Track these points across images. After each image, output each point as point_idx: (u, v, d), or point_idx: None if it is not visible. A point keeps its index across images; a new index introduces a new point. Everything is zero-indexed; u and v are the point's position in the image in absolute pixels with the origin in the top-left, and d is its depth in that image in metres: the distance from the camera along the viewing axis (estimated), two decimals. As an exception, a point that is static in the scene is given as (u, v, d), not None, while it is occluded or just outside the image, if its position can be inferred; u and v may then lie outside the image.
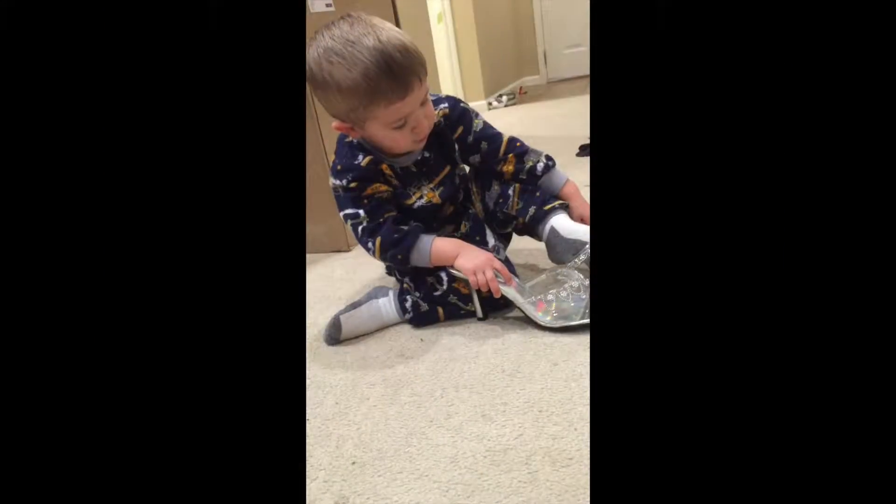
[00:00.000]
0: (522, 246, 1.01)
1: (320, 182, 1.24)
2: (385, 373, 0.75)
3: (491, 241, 0.90)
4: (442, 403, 0.66)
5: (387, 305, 0.87)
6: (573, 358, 0.70)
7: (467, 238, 0.88)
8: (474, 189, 0.93)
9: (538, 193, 0.88)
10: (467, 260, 0.79)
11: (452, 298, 0.84)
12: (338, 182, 0.82)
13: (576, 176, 0.96)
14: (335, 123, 0.78)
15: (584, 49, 4.09)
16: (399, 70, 0.70)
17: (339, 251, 1.29)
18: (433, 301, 0.84)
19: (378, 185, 0.82)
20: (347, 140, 0.83)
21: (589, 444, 0.55)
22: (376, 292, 0.89)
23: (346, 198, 0.82)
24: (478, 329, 0.82)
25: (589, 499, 0.49)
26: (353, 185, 0.81)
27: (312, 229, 1.29)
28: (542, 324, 0.76)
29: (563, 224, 0.85)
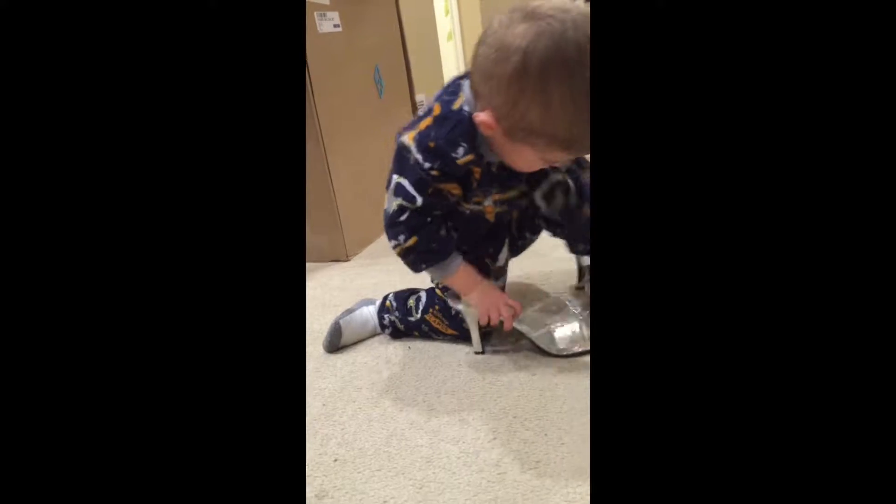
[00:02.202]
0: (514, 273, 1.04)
1: (323, 194, 1.28)
2: (372, 377, 0.79)
3: (502, 259, 0.84)
4: (423, 408, 0.70)
5: (373, 314, 0.90)
6: (549, 369, 0.73)
7: (479, 245, 0.82)
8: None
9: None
10: (482, 296, 0.77)
11: (424, 328, 0.85)
12: (419, 157, 0.67)
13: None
14: (485, 116, 0.61)
15: (592, 69, 4.14)
16: None
17: (337, 261, 1.34)
18: (408, 325, 0.86)
19: (454, 185, 0.71)
20: (456, 115, 0.66)
21: (561, 448, 0.58)
22: (366, 301, 0.92)
23: (413, 175, 0.69)
24: (464, 341, 0.85)
25: (551, 499, 0.52)
26: (434, 173, 0.67)
27: (314, 239, 1.33)
28: (553, 352, 0.77)
29: None
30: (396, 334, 0.89)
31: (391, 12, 1.59)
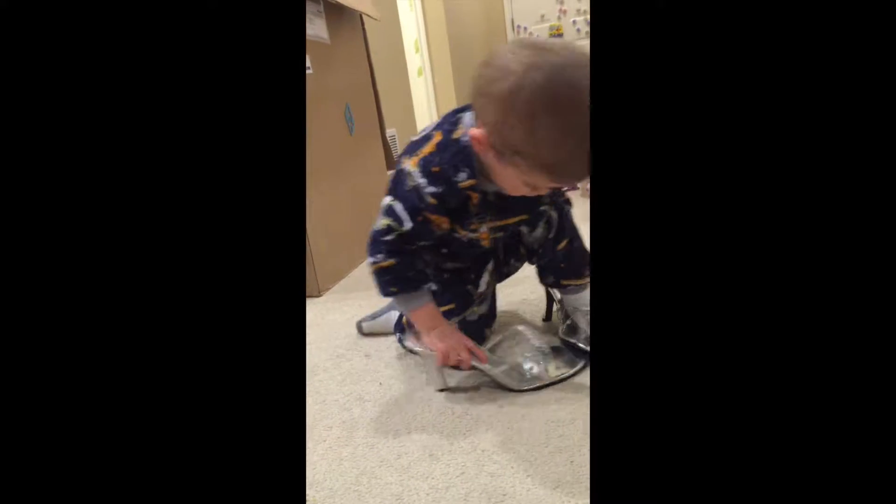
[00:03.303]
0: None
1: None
2: (343, 415, 0.79)
3: (483, 285, 0.87)
4: (393, 444, 0.70)
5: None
6: (516, 402, 0.75)
7: (463, 271, 0.86)
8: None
9: (563, 265, 0.85)
10: (439, 339, 0.79)
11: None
12: (422, 181, 0.69)
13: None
14: (477, 132, 0.63)
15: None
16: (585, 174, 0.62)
17: (310, 296, 1.34)
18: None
19: (445, 218, 0.73)
20: (456, 144, 0.69)
21: (526, 481, 0.60)
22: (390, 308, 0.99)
23: (407, 200, 0.71)
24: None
25: (517, 532, 0.53)
26: (431, 201, 0.70)
27: (285, 275, 1.33)
28: (514, 388, 0.78)
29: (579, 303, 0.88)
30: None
31: (361, 52, 1.64)
